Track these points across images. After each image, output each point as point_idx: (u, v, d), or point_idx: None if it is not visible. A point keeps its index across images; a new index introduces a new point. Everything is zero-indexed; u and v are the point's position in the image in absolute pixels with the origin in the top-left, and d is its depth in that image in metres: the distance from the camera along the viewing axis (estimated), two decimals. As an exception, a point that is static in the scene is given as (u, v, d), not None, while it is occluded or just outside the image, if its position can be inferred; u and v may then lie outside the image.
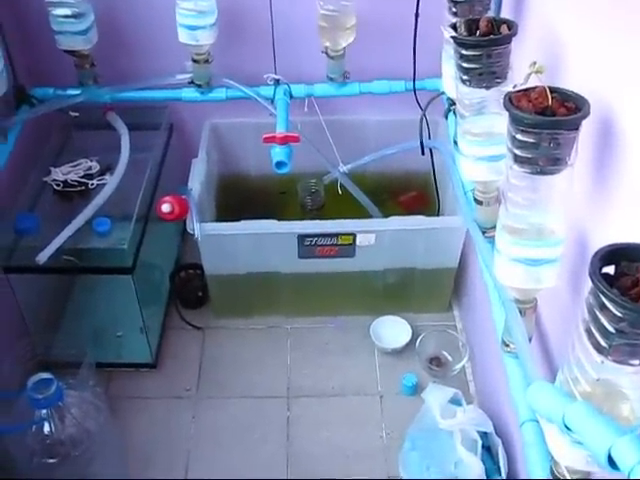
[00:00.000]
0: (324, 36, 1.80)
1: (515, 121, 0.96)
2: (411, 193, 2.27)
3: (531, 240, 1.04)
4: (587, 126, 0.95)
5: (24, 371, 1.79)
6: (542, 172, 0.97)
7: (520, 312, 1.14)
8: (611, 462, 0.69)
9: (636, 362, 0.76)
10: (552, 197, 1.01)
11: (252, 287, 1.99)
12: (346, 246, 1.87)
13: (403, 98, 1.91)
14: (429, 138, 1.98)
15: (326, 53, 1.84)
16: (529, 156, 0.96)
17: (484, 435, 1.57)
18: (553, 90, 0.97)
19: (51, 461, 1.49)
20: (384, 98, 1.94)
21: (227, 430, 1.84)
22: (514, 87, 1.00)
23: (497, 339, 1.27)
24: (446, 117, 1.83)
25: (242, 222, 1.83)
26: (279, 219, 1.85)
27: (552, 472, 0.93)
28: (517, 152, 0.97)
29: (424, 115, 1.94)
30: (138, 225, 1.77)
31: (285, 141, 1.68)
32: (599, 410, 0.73)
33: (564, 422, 0.76)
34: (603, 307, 0.74)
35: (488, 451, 1.57)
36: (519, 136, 0.96)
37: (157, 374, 1.96)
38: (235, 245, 1.86)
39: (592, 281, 0.75)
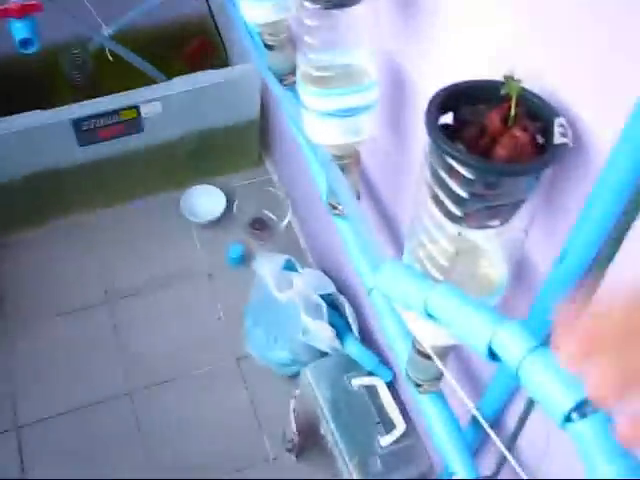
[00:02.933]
0: None
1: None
2: (194, 42, 2.01)
3: (340, 88, 0.87)
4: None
5: None
6: (339, 4, 0.79)
7: (342, 169, 0.99)
8: (491, 354, 0.56)
9: (496, 223, 0.63)
10: (356, 32, 0.83)
11: (33, 191, 1.69)
12: (130, 121, 1.61)
13: None
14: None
15: None
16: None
17: (328, 296, 1.46)
18: None
19: None
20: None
21: (50, 355, 1.61)
22: None
23: (320, 196, 1.13)
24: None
25: (3, 119, 1.52)
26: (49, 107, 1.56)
27: (413, 345, 0.82)
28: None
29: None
30: None
31: (24, 13, 1.36)
32: (467, 295, 0.60)
33: (427, 311, 0.62)
34: (450, 169, 0.59)
35: (337, 309, 1.47)
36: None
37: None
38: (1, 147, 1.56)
39: (432, 140, 0.59)
